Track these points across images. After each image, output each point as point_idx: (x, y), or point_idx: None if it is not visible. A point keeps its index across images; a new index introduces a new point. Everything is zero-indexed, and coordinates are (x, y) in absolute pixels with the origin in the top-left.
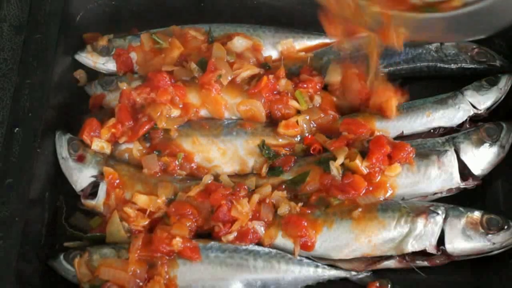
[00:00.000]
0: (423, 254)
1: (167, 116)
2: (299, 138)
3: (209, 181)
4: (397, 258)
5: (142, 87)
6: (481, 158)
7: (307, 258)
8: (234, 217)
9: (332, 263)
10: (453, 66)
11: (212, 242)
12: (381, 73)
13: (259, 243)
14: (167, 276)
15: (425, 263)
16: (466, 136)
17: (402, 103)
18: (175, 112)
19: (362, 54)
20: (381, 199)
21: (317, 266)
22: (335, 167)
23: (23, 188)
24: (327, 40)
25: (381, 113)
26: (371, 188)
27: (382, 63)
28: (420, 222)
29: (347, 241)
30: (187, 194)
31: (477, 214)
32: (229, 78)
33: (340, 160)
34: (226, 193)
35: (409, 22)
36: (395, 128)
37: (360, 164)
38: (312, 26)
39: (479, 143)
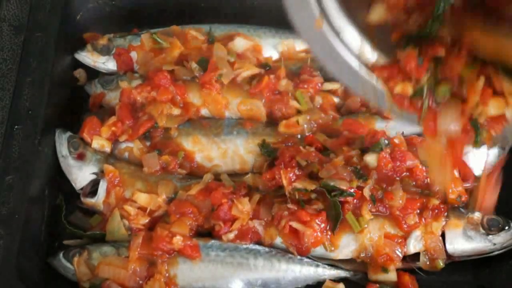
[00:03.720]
0: None
1: (168, 115)
2: (299, 138)
3: (210, 180)
4: None
5: (143, 86)
6: (481, 158)
7: (308, 257)
8: (235, 216)
9: (332, 263)
10: None
11: (213, 241)
12: None
13: (260, 242)
14: (167, 275)
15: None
16: None
17: None
18: (176, 111)
19: None
20: None
21: (317, 266)
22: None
23: (23, 186)
24: None
25: (381, 113)
26: None
27: None
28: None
29: (348, 240)
30: (187, 193)
31: (477, 215)
32: (230, 78)
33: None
34: (226, 191)
35: None
36: (395, 129)
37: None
38: None
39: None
